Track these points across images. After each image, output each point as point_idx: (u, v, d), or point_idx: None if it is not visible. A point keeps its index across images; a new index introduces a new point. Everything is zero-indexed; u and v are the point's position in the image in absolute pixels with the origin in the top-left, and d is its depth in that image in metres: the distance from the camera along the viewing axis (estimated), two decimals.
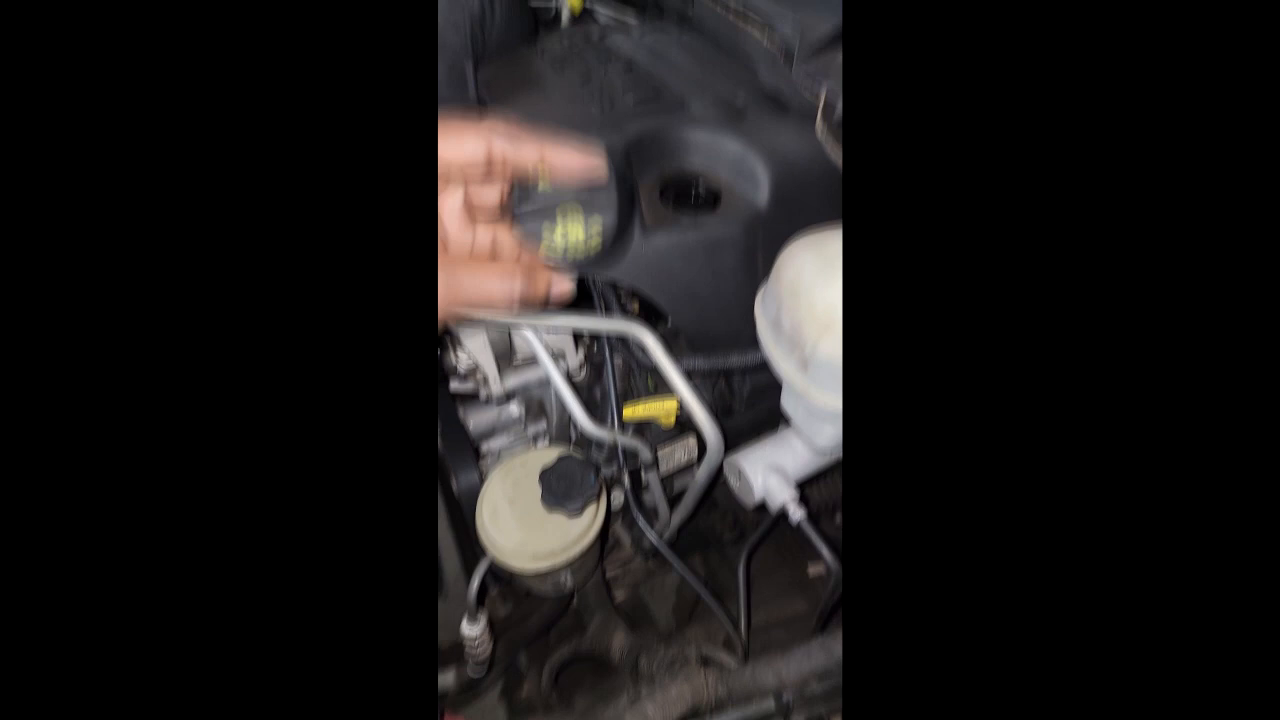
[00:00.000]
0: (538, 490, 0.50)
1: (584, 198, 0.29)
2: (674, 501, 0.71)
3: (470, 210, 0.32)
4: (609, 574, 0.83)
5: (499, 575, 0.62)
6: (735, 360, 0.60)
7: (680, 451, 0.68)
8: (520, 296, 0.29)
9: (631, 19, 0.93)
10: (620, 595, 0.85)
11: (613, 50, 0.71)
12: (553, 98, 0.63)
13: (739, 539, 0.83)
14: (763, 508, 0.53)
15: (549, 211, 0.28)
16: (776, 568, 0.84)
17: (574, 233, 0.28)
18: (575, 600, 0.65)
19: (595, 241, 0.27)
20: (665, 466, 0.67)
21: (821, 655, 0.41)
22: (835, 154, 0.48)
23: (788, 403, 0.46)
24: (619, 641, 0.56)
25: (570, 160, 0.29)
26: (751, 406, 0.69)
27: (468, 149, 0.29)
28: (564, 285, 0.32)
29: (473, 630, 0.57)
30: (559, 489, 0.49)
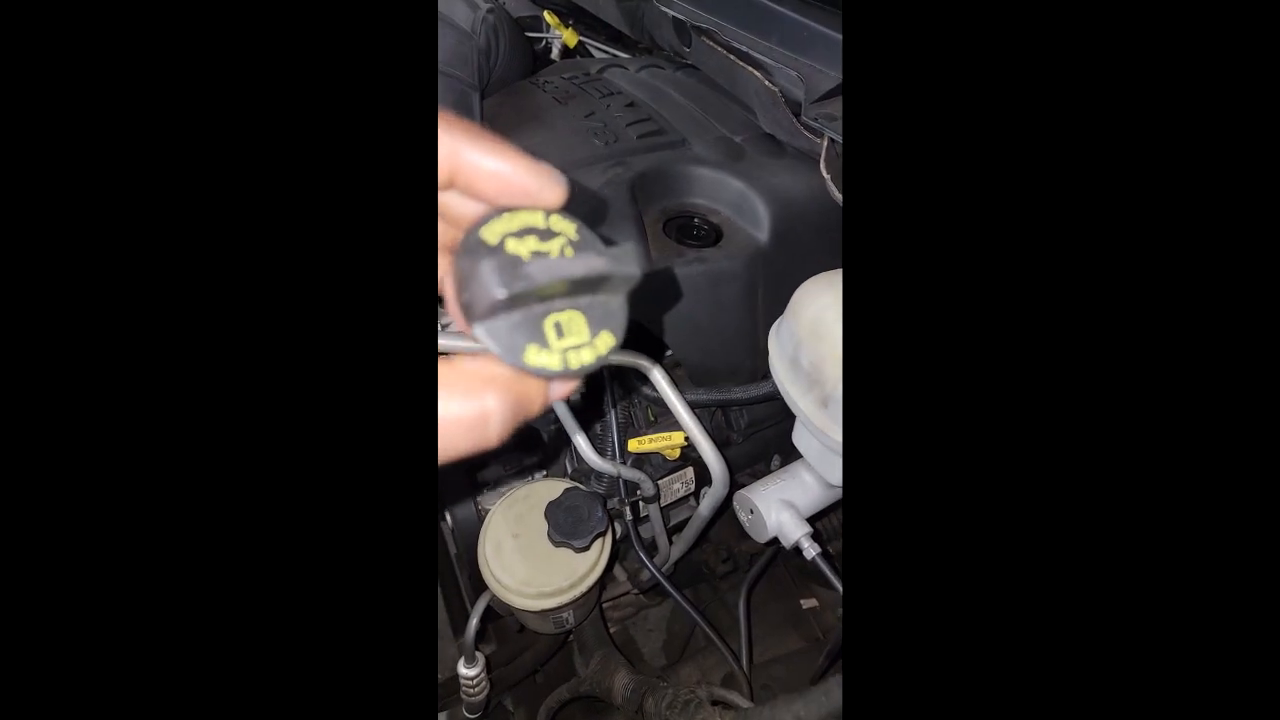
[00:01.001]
0: (542, 525, 0.49)
1: (586, 299, 0.19)
2: (671, 533, 0.70)
3: None
4: (605, 607, 0.81)
5: (490, 612, 0.60)
6: (738, 394, 0.60)
7: (678, 483, 0.67)
8: (500, 430, 0.19)
9: (624, 54, 0.96)
10: (612, 630, 0.83)
11: (612, 85, 0.72)
12: (557, 130, 0.63)
13: (731, 571, 0.82)
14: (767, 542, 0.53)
15: (533, 318, 0.19)
16: (768, 601, 0.83)
17: (573, 347, 0.19)
18: (570, 638, 0.64)
19: (603, 353, 0.19)
20: (664, 498, 0.67)
21: (840, 695, 0.41)
22: (837, 193, 0.50)
23: (800, 439, 0.47)
24: (621, 681, 0.55)
25: (529, 181, 0.21)
26: (749, 438, 0.69)
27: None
28: (563, 387, 0.21)
29: (470, 670, 0.55)
30: (566, 524, 0.48)
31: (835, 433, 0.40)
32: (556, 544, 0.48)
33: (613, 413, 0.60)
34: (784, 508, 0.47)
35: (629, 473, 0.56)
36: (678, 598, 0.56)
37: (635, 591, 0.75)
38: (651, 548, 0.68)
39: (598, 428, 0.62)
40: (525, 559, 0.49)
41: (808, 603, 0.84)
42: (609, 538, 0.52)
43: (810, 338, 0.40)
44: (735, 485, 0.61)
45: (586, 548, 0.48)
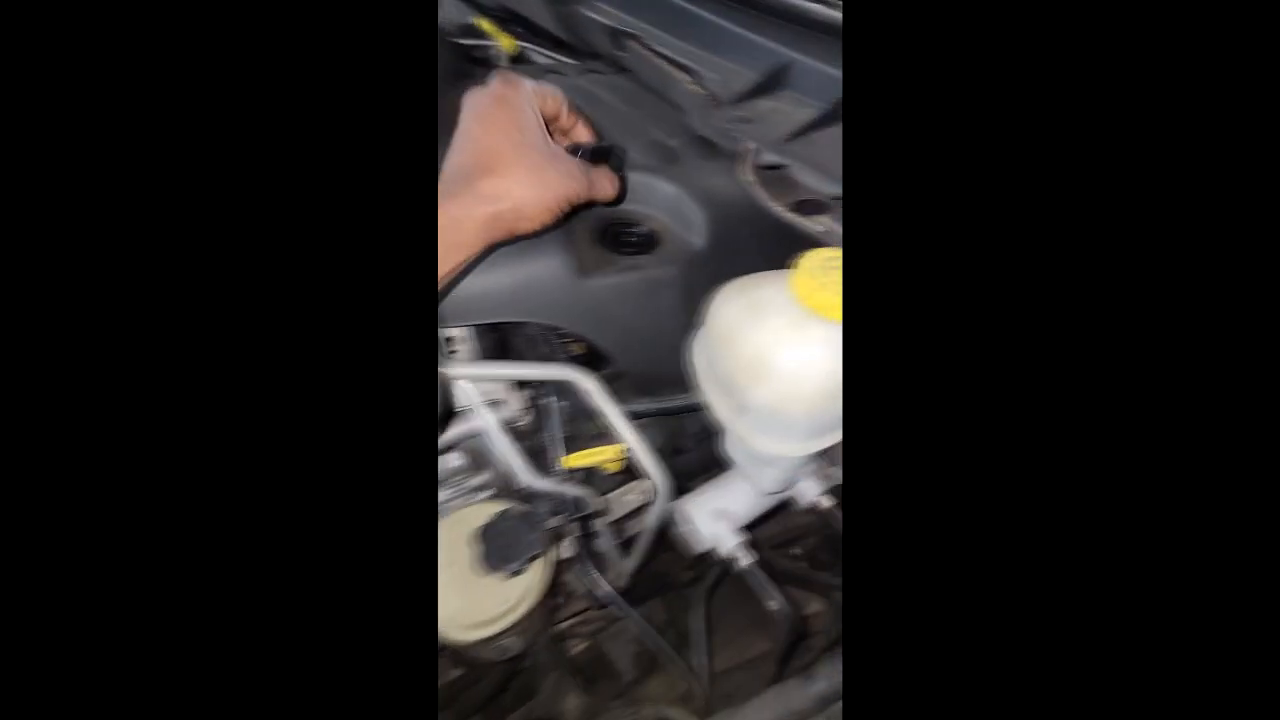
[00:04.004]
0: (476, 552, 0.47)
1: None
2: (630, 545, 0.69)
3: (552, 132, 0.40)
4: (565, 626, 0.79)
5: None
6: (682, 401, 0.59)
7: (633, 494, 0.66)
8: (589, 192, 0.41)
9: (567, 60, 0.94)
10: (579, 646, 0.81)
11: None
12: None
13: (696, 580, 0.81)
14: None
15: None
16: (735, 606, 0.82)
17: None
18: (527, 661, 0.62)
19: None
20: (618, 511, 0.65)
21: (779, 705, 0.40)
22: (762, 197, 0.49)
23: (729, 447, 0.46)
24: (573, 704, 0.53)
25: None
26: (701, 443, 0.68)
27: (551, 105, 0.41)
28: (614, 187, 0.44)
29: None
30: (499, 548, 0.47)
31: (754, 441, 0.39)
32: (489, 569, 0.46)
33: (555, 427, 0.58)
34: (718, 517, 0.46)
35: (571, 489, 0.55)
36: (628, 612, 0.55)
37: (596, 607, 0.73)
38: (608, 563, 0.67)
39: (544, 442, 0.60)
40: (455, 589, 0.48)
41: (775, 604, 0.83)
42: (549, 558, 0.50)
43: (722, 346, 0.39)
44: (688, 492, 0.59)
45: (523, 571, 0.47)
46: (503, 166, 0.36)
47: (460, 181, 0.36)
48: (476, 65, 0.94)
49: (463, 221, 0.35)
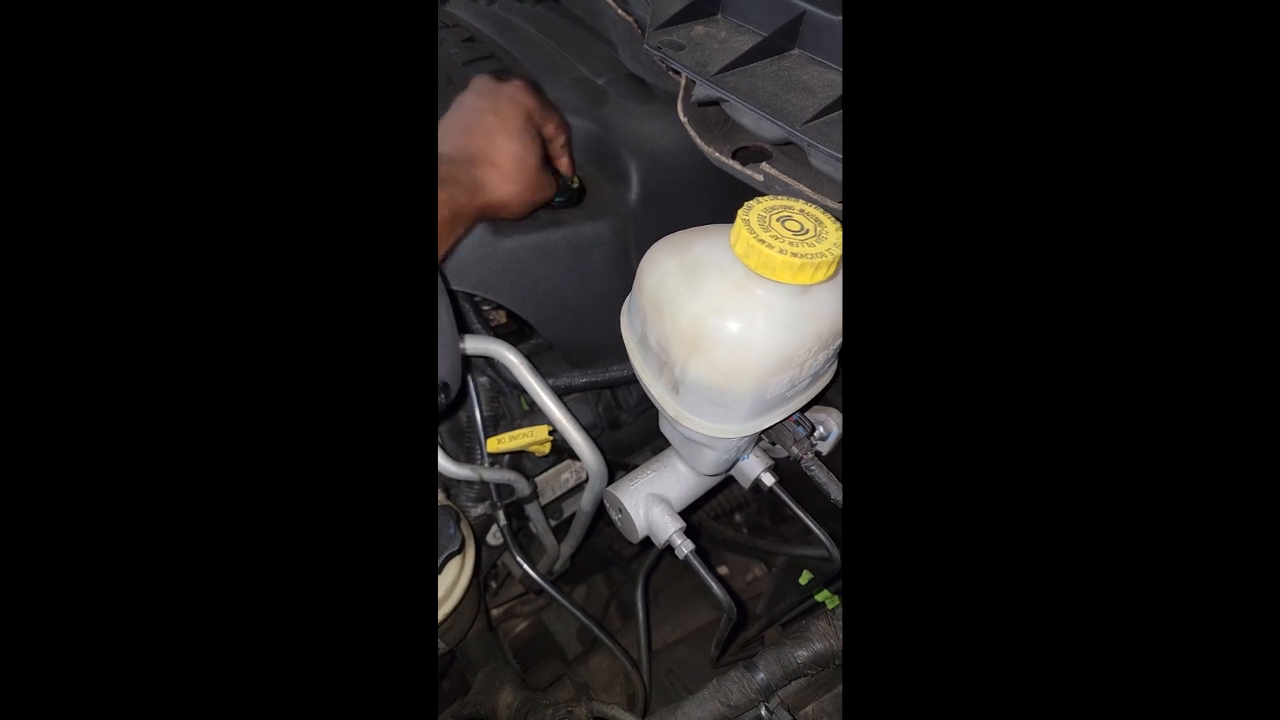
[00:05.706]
0: None
1: None
2: (567, 526, 0.65)
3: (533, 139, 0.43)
4: (504, 608, 0.76)
5: None
6: (616, 372, 0.54)
7: (566, 473, 0.61)
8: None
9: None
10: (521, 625, 0.78)
11: (451, 18, 0.62)
12: None
13: (640, 553, 0.78)
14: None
15: None
16: (678, 575, 0.81)
17: None
18: (458, 658, 0.58)
19: None
20: (551, 493, 0.61)
21: (715, 703, 0.37)
22: (699, 140, 0.43)
23: (665, 427, 0.41)
24: (505, 700, 0.49)
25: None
26: (640, 415, 0.64)
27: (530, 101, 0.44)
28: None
29: None
30: None
31: (690, 422, 0.34)
32: None
33: (477, 409, 0.52)
34: (654, 503, 0.42)
35: (495, 475, 0.49)
36: (561, 601, 0.51)
37: (533, 592, 0.70)
38: (543, 546, 0.62)
39: (464, 421, 0.54)
40: None
41: (720, 568, 0.82)
42: (469, 553, 0.45)
43: (653, 312, 0.34)
44: (629, 467, 0.55)
45: (440, 569, 0.42)
46: (507, 165, 0.42)
47: (464, 167, 0.40)
48: None
49: (464, 206, 0.40)
